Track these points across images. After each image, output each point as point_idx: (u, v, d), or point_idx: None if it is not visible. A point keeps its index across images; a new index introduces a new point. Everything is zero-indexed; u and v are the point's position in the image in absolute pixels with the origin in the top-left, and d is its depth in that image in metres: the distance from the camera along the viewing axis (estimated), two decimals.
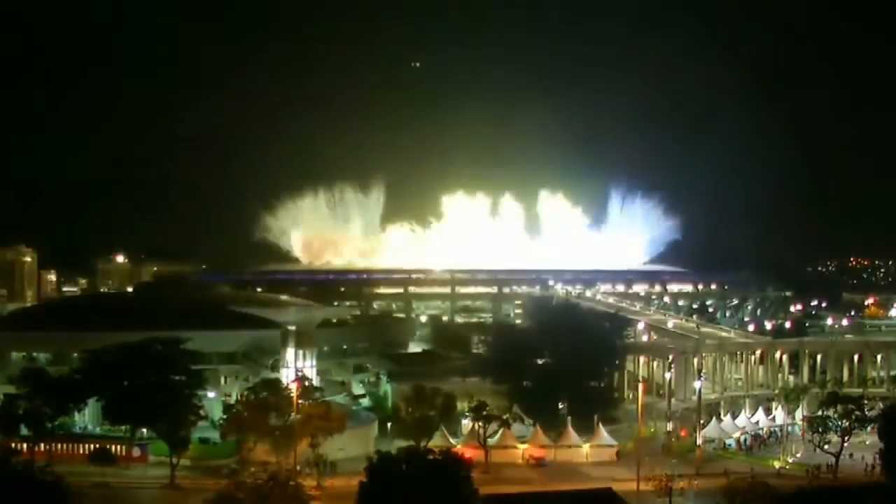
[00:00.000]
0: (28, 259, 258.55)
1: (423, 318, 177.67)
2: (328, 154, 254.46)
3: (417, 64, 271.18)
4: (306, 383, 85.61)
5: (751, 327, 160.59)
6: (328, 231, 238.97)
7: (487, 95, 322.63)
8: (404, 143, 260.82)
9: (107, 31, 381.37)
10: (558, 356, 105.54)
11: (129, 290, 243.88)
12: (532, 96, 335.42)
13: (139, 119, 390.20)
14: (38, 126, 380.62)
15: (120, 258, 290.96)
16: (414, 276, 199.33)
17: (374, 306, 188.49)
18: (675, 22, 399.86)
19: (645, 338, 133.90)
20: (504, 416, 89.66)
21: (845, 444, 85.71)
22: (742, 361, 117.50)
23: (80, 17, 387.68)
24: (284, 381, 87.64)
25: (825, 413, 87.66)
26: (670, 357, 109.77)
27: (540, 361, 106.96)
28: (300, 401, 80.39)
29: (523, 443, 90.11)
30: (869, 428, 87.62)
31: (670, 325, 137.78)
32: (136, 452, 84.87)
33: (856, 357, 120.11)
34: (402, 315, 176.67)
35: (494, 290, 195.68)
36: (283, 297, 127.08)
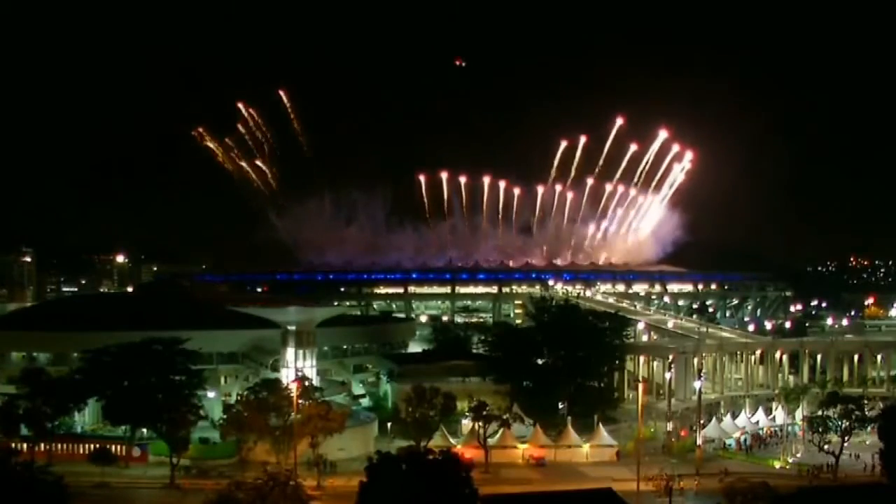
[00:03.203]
0: (28, 259, 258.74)
1: (423, 318, 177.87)
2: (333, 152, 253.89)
3: (463, 63, 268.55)
4: (306, 383, 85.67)
5: (751, 327, 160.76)
6: (331, 230, 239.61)
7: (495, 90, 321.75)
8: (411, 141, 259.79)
9: (107, 26, 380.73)
10: (558, 356, 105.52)
11: (129, 290, 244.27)
12: (538, 93, 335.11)
13: (139, 118, 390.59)
14: (37, 126, 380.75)
15: (120, 258, 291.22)
16: (414, 275, 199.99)
17: (374, 306, 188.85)
18: (677, 21, 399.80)
19: (645, 338, 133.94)
20: (504, 416, 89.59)
21: (845, 444, 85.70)
22: (742, 361, 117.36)
23: (79, 14, 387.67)
24: (284, 381, 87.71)
25: (825, 413, 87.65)
26: (670, 357, 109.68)
27: (540, 361, 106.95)
28: (300, 401, 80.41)
29: (523, 443, 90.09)
30: (869, 428, 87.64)
31: (670, 325, 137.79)
32: (136, 452, 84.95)
33: (856, 357, 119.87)
34: (402, 315, 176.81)
35: (494, 290, 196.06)
36: (283, 297, 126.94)
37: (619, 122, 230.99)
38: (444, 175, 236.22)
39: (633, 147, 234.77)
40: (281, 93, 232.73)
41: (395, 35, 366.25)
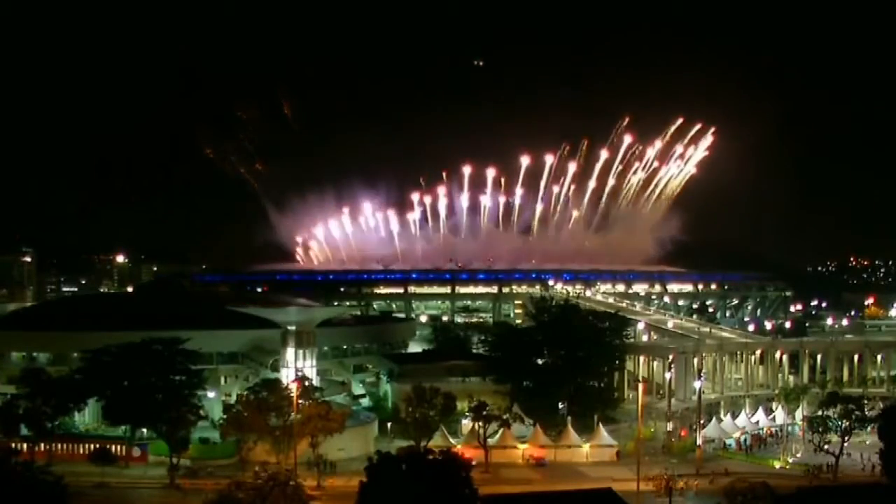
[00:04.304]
0: (28, 259, 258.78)
1: (423, 318, 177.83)
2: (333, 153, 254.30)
3: (481, 63, 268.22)
4: (306, 383, 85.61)
5: (751, 327, 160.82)
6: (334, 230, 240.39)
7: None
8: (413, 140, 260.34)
9: (107, 27, 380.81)
10: (558, 356, 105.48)
11: (129, 290, 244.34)
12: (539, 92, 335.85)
13: (139, 119, 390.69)
14: (38, 126, 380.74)
15: (120, 258, 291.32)
16: (414, 275, 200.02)
17: (374, 306, 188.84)
18: (672, 18, 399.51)
19: (645, 338, 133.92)
20: (504, 416, 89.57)
21: (845, 444, 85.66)
22: (742, 361, 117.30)
23: (77, 16, 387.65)
24: (284, 381, 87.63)
25: (825, 413, 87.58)
26: (670, 357, 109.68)
27: (540, 361, 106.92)
28: (300, 401, 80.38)
29: (523, 443, 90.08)
30: (869, 428, 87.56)
31: (670, 325, 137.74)
32: (136, 452, 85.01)
33: (856, 357, 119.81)
34: (402, 315, 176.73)
35: (494, 290, 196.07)
36: (283, 297, 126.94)
37: (626, 120, 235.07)
38: (444, 174, 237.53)
39: (637, 145, 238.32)
40: (282, 93, 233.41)
41: (395, 34, 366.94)
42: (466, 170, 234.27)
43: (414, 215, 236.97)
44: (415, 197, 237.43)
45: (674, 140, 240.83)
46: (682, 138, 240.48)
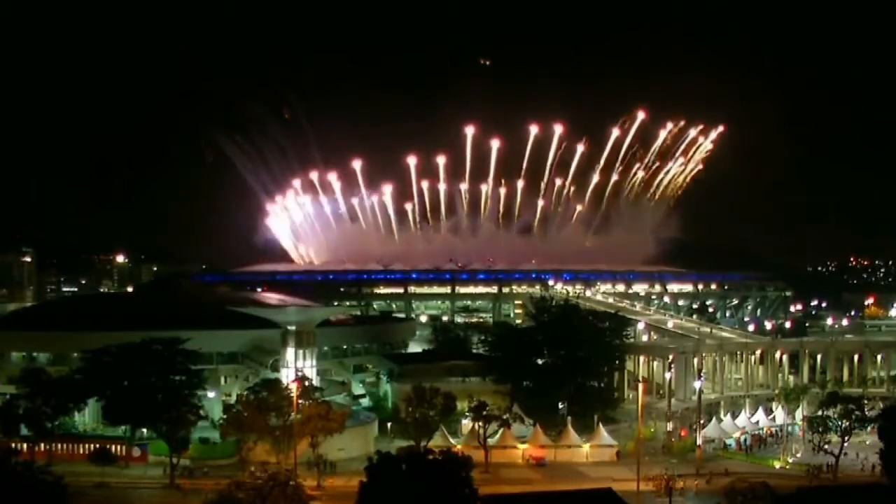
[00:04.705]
0: (28, 259, 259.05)
1: (423, 318, 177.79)
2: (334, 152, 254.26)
3: (487, 62, 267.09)
4: (306, 383, 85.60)
5: (751, 327, 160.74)
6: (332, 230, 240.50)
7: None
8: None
9: (107, 27, 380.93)
10: (558, 356, 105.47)
11: (129, 290, 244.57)
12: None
13: (139, 118, 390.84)
14: (37, 125, 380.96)
15: (120, 258, 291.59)
16: (414, 275, 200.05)
17: (374, 306, 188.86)
18: (672, 18, 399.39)
19: (645, 338, 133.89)
20: (504, 416, 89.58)
21: (845, 444, 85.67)
22: (742, 361, 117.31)
23: (77, 18, 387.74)
24: (284, 381, 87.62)
25: (825, 413, 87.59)
26: (670, 357, 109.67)
27: (540, 361, 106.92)
28: (300, 401, 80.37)
29: (523, 443, 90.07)
30: (869, 428, 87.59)
31: (670, 325, 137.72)
32: (136, 452, 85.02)
33: (856, 357, 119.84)
34: (402, 315, 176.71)
35: (494, 290, 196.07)
36: (283, 297, 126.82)
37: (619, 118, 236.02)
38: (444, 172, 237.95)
39: (637, 147, 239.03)
40: (281, 92, 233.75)
41: (395, 34, 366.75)
42: (469, 130, 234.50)
43: (413, 204, 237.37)
44: (411, 160, 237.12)
45: (675, 140, 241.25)
46: (683, 138, 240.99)
